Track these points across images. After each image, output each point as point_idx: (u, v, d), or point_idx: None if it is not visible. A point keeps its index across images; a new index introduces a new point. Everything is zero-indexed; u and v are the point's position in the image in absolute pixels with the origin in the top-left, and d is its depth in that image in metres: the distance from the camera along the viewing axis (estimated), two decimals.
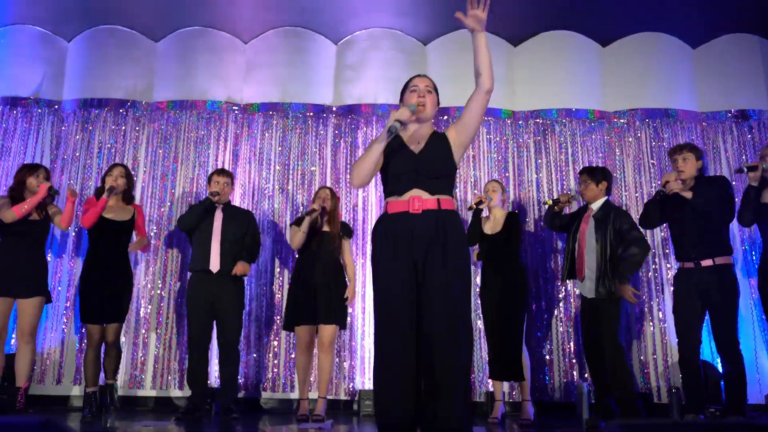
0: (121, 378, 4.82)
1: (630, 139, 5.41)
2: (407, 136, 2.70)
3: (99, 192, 4.32)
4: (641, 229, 4.12)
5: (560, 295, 5.10)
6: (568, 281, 4.83)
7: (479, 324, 4.93)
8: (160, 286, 5.07)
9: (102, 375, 4.28)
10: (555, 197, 4.49)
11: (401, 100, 2.76)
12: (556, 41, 5.55)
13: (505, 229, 4.34)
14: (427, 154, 2.64)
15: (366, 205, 5.28)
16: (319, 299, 4.20)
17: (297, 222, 4.42)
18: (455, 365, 2.42)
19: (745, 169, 3.82)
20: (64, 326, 4.97)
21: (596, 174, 4.25)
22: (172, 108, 5.41)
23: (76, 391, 4.86)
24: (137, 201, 4.83)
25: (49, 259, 4.94)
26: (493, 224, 4.43)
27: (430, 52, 5.62)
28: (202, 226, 4.37)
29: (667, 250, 5.12)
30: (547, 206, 4.52)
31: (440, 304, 2.45)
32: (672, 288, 4.17)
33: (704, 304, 3.84)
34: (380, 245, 2.59)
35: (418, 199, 2.56)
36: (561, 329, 5.03)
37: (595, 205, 4.22)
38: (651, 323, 5.03)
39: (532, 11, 5.32)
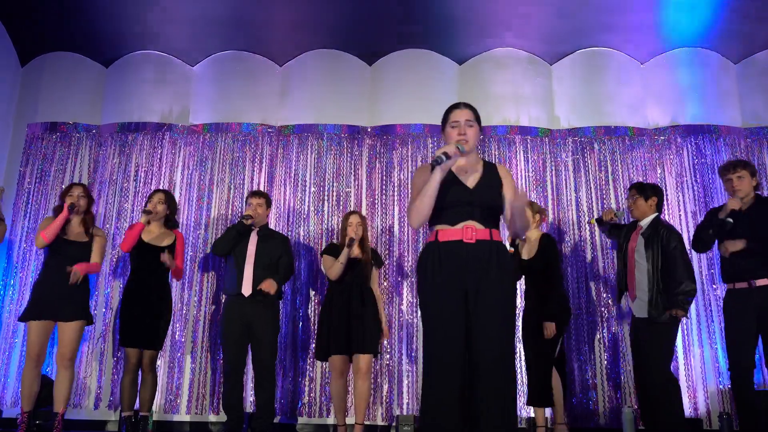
0: (157, 403, 4.77)
1: (671, 156, 5.29)
2: (456, 167, 2.67)
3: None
4: (689, 260, 3.85)
5: (603, 318, 4.95)
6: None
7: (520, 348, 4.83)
8: (195, 309, 5.04)
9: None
10: (598, 216, 4.35)
11: (443, 129, 2.73)
12: (592, 58, 5.48)
13: (541, 253, 4.26)
14: (481, 188, 2.64)
15: (402, 226, 5.21)
16: (352, 328, 4.13)
17: (328, 251, 4.36)
18: (502, 389, 2.44)
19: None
20: (102, 350, 4.94)
21: (646, 190, 4.04)
22: (208, 131, 5.43)
23: (113, 416, 4.82)
24: None
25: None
26: (528, 248, 4.36)
27: (465, 72, 5.58)
28: (237, 249, 4.34)
29: (712, 270, 4.97)
30: (593, 224, 4.40)
31: (490, 331, 2.47)
32: (722, 309, 4.00)
33: (759, 327, 3.67)
34: (431, 271, 2.57)
35: (472, 229, 2.56)
36: (605, 353, 4.88)
37: (644, 222, 3.99)
38: (699, 346, 4.85)
39: (568, 29, 5.27)
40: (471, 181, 2.65)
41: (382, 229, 5.20)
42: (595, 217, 4.41)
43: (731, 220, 3.74)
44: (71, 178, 5.32)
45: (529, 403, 4.24)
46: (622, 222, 4.45)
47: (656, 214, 4.02)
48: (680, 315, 3.70)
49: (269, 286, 4.21)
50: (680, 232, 4.96)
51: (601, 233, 4.97)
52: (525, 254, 4.36)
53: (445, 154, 2.48)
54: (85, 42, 5.52)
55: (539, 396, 4.13)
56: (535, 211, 4.44)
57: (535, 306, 4.26)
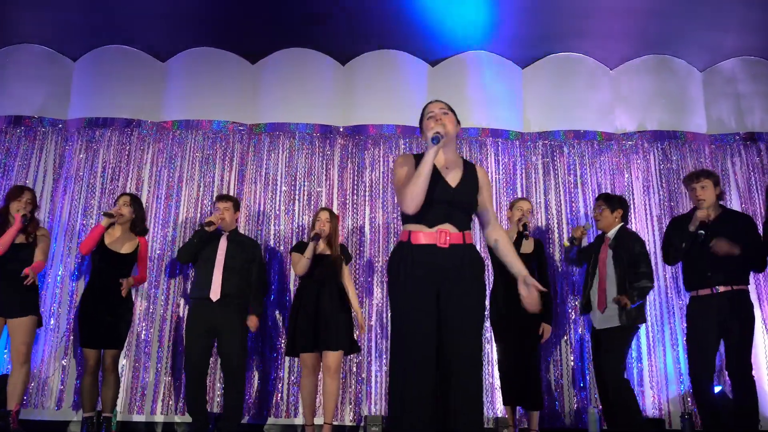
0: (121, 403, 4.69)
1: (638, 161, 5.38)
2: (438, 162, 2.67)
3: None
4: (651, 263, 4.05)
5: (570, 320, 5.02)
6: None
7: (486, 348, 4.84)
8: (162, 308, 4.97)
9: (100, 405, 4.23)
10: (569, 237, 4.38)
11: (420, 128, 2.77)
12: (563, 63, 5.55)
13: (536, 253, 4.35)
14: (462, 188, 2.65)
15: (373, 226, 5.21)
16: (323, 325, 4.11)
17: (297, 248, 4.36)
18: (472, 393, 2.47)
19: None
20: (65, 351, 4.84)
21: (613, 201, 4.18)
22: (178, 128, 5.36)
23: (76, 416, 4.72)
24: None
25: (49, 281, 4.89)
26: (525, 243, 4.38)
27: (437, 74, 5.61)
28: (204, 253, 4.30)
29: (676, 277, 5.05)
30: (566, 248, 4.39)
31: (462, 333, 2.50)
32: (686, 315, 4.08)
33: (720, 332, 3.76)
34: (403, 274, 2.56)
35: (446, 233, 2.55)
36: (572, 354, 4.94)
37: (611, 234, 4.14)
38: (662, 348, 4.94)
39: (539, 34, 5.32)
40: (453, 179, 2.65)
41: (352, 229, 5.19)
42: (566, 239, 4.44)
43: (703, 232, 3.79)
44: (36, 174, 5.21)
45: (513, 403, 4.25)
46: (591, 236, 4.55)
47: (621, 224, 4.17)
48: (623, 301, 3.84)
49: (255, 325, 4.31)
50: (646, 235, 5.11)
51: (565, 250, 4.97)
52: (523, 248, 4.34)
53: (438, 133, 2.51)
54: (54, 35, 5.39)
55: (532, 397, 4.16)
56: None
57: (516, 305, 4.20)
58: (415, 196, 2.52)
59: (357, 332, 4.37)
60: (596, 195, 5.16)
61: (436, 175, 2.60)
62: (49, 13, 5.16)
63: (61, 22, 5.25)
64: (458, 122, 2.78)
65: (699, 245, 3.81)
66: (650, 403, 4.84)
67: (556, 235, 5.20)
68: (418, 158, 2.64)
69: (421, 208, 2.56)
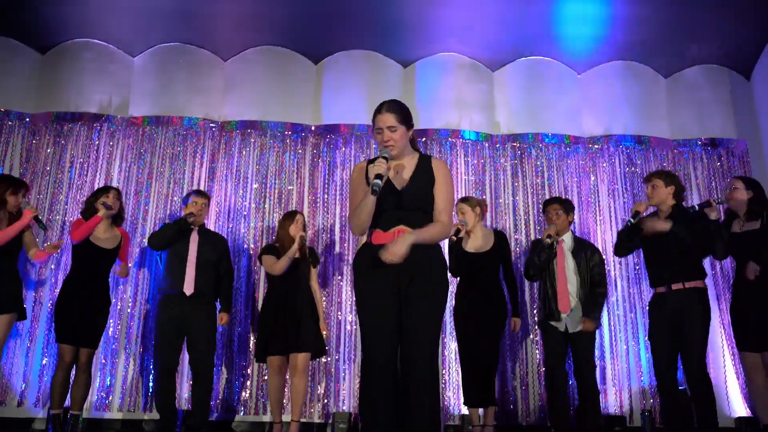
0: (88, 400, 4.65)
1: (604, 165, 5.50)
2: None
3: (84, 215, 4.28)
4: (606, 278, 4.24)
5: (535, 320, 5.11)
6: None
7: (453, 346, 4.90)
8: (130, 305, 4.94)
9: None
10: (549, 236, 4.19)
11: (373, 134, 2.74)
12: (533, 67, 5.65)
13: (499, 250, 4.30)
14: (410, 189, 2.65)
15: (343, 225, 5.25)
16: (291, 328, 4.15)
17: (268, 251, 4.37)
18: (429, 385, 2.52)
19: (697, 207, 3.86)
20: (29, 346, 4.79)
21: (568, 205, 4.31)
22: (148, 123, 5.33)
23: (40, 413, 4.67)
24: None
25: None
26: (474, 241, 4.31)
27: (411, 74, 5.66)
28: (176, 247, 4.30)
29: (636, 271, 5.19)
30: (548, 245, 4.17)
31: (421, 331, 2.55)
32: (646, 312, 4.21)
33: (676, 329, 3.86)
34: (364, 274, 2.64)
35: (402, 232, 2.58)
36: (536, 353, 5.04)
37: (567, 237, 4.27)
38: (624, 346, 5.07)
39: (511, 37, 5.41)
40: (401, 181, 2.66)
41: (323, 228, 5.22)
42: (548, 237, 4.31)
43: (633, 219, 3.95)
44: (1, 168, 5.13)
45: (471, 404, 4.23)
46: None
47: (571, 229, 4.35)
48: (588, 327, 4.06)
49: (226, 322, 4.47)
50: (611, 237, 5.23)
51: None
52: (470, 247, 4.30)
53: (379, 176, 2.50)
54: (21, 27, 5.31)
55: (484, 396, 4.16)
56: (474, 204, 4.37)
57: (477, 303, 4.21)
58: (358, 225, 2.63)
59: (324, 334, 4.41)
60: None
61: (386, 183, 2.60)
62: (17, 5, 5.09)
63: (30, 15, 5.18)
64: (411, 126, 2.72)
65: (663, 243, 3.89)
66: (611, 400, 4.96)
67: (523, 235, 5.29)
68: (371, 163, 2.67)
69: (376, 216, 2.63)
